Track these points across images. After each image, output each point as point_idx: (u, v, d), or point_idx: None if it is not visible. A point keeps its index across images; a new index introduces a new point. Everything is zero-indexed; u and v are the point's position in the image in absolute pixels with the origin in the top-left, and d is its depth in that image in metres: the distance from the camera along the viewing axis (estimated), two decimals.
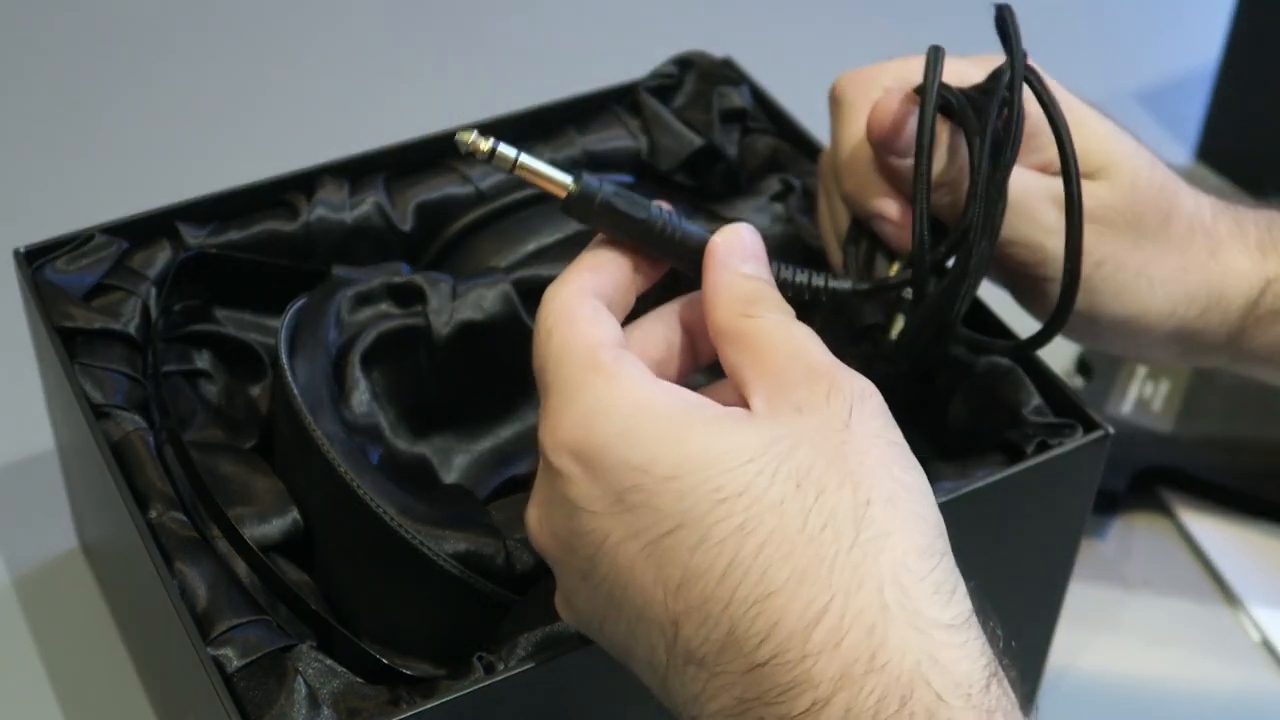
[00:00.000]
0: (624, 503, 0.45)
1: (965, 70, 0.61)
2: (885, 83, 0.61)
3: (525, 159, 0.51)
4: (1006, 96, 0.57)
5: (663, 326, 0.53)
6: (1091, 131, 0.61)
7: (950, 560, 0.46)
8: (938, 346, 0.61)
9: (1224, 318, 0.63)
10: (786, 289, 0.55)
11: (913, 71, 0.59)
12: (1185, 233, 0.62)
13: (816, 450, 0.45)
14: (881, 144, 0.59)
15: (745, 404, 0.48)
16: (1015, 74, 0.58)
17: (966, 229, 0.57)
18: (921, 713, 0.43)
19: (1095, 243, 0.60)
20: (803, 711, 0.43)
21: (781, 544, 0.44)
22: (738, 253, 0.51)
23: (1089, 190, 0.60)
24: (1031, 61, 0.59)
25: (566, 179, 0.51)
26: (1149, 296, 0.61)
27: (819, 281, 0.58)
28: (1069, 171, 0.57)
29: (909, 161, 0.58)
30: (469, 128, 0.50)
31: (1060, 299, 0.59)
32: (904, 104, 0.59)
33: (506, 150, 0.50)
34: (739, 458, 0.45)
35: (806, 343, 0.49)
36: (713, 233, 0.52)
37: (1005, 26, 0.59)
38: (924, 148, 0.57)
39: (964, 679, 0.44)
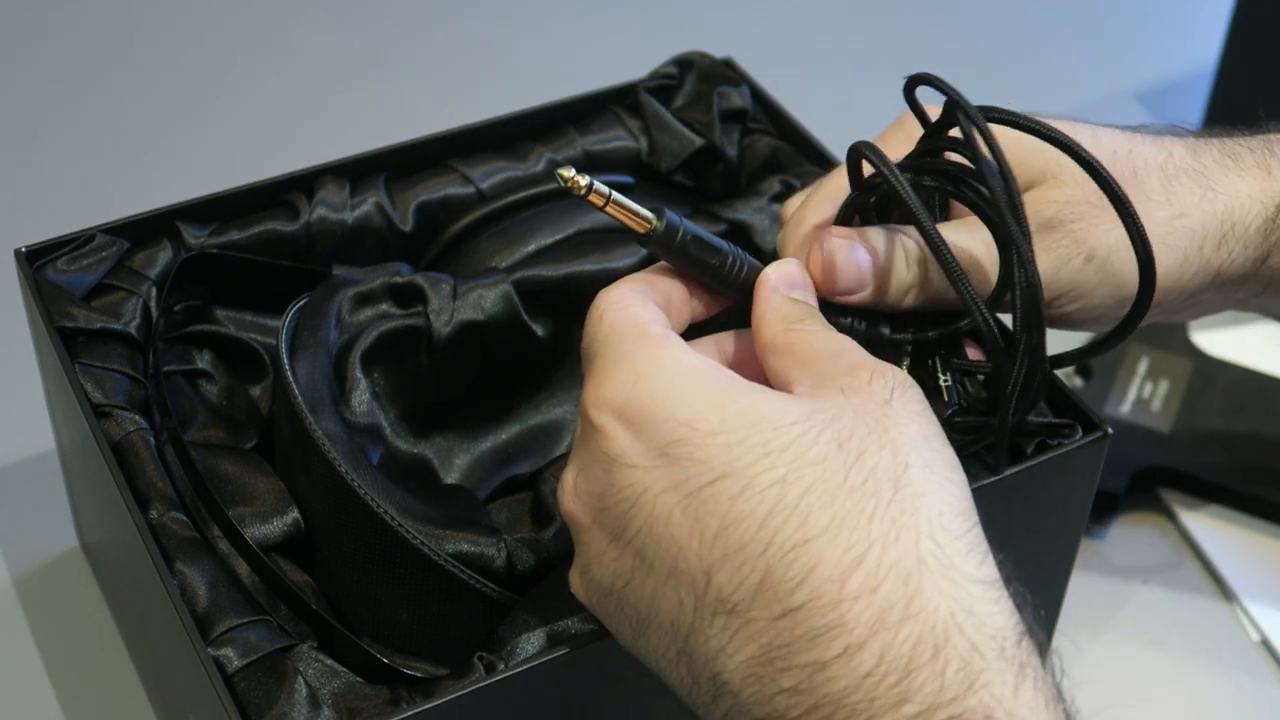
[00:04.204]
0: (667, 455, 0.47)
1: (894, 145, 0.60)
2: (815, 218, 0.60)
3: (617, 196, 0.53)
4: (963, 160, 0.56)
5: (707, 350, 0.55)
6: (1015, 144, 0.58)
7: (981, 530, 0.47)
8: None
9: (1244, 245, 0.62)
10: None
11: (839, 185, 0.59)
12: (1163, 182, 0.61)
13: (858, 419, 0.47)
14: (830, 289, 0.58)
15: None
16: (982, 139, 0.56)
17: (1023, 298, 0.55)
18: (956, 661, 0.43)
19: (1077, 241, 0.59)
20: (836, 656, 0.44)
21: (823, 494, 0.45)
22: (786, 281, 0.54)
23: (1041, 197, 0.59)
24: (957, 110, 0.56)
25: (650, 216, 0.54)
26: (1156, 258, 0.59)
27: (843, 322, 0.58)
28: (1096, 175, 0.56)
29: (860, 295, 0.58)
30: (567, 165, 0.55)
31: (1140, 289, 0.57)
32: (846, 247, 0.57)
33: (601, 187, 0.53)
34: (785, 418, 0.47)
35: (849, 344, 0.52)
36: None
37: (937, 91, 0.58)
38: (949, 265, 0.55)
39: (998, 631, 0.44)
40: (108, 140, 0.99)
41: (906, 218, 0.59)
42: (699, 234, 0.54)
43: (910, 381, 0.50)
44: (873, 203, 0.59)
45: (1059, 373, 0.65)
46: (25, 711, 0.71)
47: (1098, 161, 0.56)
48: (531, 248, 0.69)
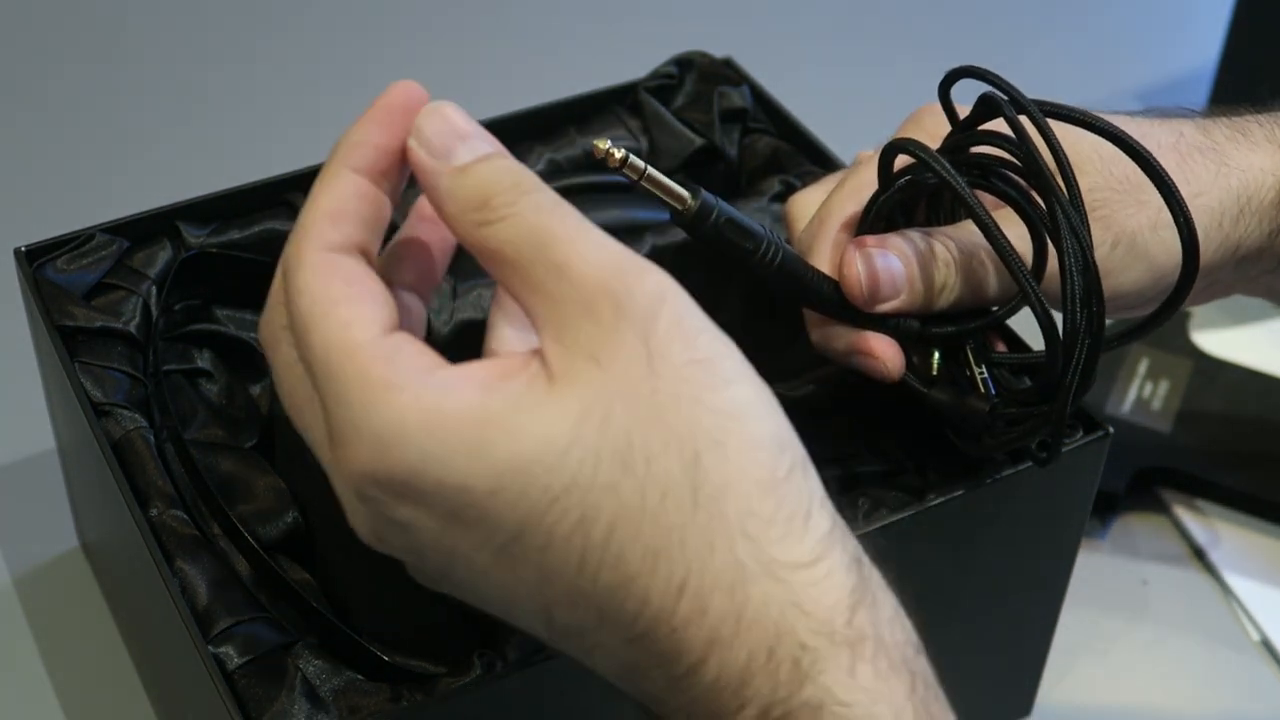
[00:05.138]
0: (459, 519, 0.42)
1: (933, 129, 0.59)
2: (840, 218, 0.59)
3: (652, 171, 0.52)
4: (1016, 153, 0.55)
5: (413, 252, 0.49)
6: (1032, 136, 0.57)
7: (798, 474, 0.43)
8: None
9: (1259, 219, 0.62)
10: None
11: (863, 182, 0.58)
12: (1179, 162, 0.61)
13: (630, 412, 0.42)
14: (870, 300, 0.57)
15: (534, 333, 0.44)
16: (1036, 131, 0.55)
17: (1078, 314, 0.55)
18: (788, 661, 0.42)
19: (1104, 228, 0.59)
20: (683, 674, 0.43)
21: (627, 525, 0.42)
22: (441, 148, 0.44)
23: None
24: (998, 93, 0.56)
25: (686, 194, 0.53)
26: (1176, 242, 0.59)
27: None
28: (1144, 162, 0.56)
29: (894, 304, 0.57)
30: (604, 139, 0.51)
31: (1184, 265, 0.57)
32: (880, 255, 0.56)
33: (636, 161, 0.52)
34: (555, 450, 0.41)
35: (565, 239, 0.43)
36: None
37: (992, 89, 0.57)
38: (1007, 254, 0.54)
39: (826, 617, 0.43)
40: (108, 140, 0.99)
41: (934, 215, 0.59)
42: (735, 216, 0.53)
43: (659, 294, 0.43)
44: (898, 202, 0.58)
45: None
46: (25, 711, 0.71)
47: (1144, 147, 0.56)
48: None
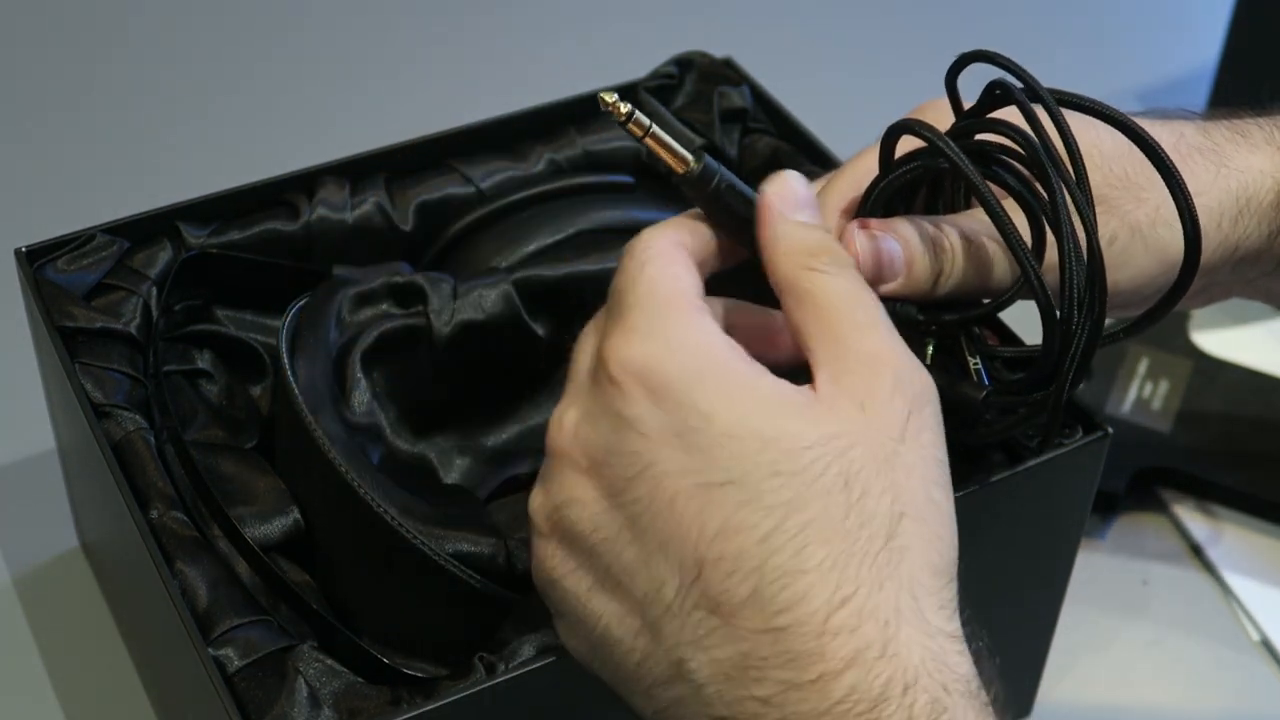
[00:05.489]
0: (683, 439, 0.46)
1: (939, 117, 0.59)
2: (839, 204, 0.59)
3: (657, 129, 0.52)
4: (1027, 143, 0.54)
5: (718, 314, 0.53)
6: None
7: (955, 586, 0.48)
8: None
9: (1259, 220, 0.62)
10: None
11: (864, 168, 0.58)
12: (1179, 162, 0.60)
13: (869, 454, 0.47)
14: (871, 282, 0.56)
15: (805, 363, 0.49)
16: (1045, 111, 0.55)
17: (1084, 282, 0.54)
18: (925, 697, 0.45)
19: (1103, 219, 0.58)
20: (810, 680, 0.45)
21: (823, 528, 0.46)
22: (791, 202, 0.52)
23: None
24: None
25: (689, 156, 0.52)
26: (1178, 237, 0.58)
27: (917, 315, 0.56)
28: (1155, 150, 0.55)
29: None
30: (611, 90, 0.52)
31: (1185, 256, 0.56)
32: (881, 238, 0.56)
33: (642, 118, 0.52)
34: (798, 442, 0.46)
35: (873, 313, 0.50)
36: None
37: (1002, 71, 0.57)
38: (1010, 236, 0.54)
39: (964, 677, 0.46)
40: (108, 140, 0.99)
41: (935, 204, 0.59)
42: (735, 182, 0.53)
43: (929, 395, 0.49)
44: (899, 188, 0.58)
45: None
46: (25, 712, 0.71)
47: (1152, 138, 0.55)
48: (531, 248, 0.69)
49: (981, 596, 0.65)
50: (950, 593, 0.48)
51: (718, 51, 0.78)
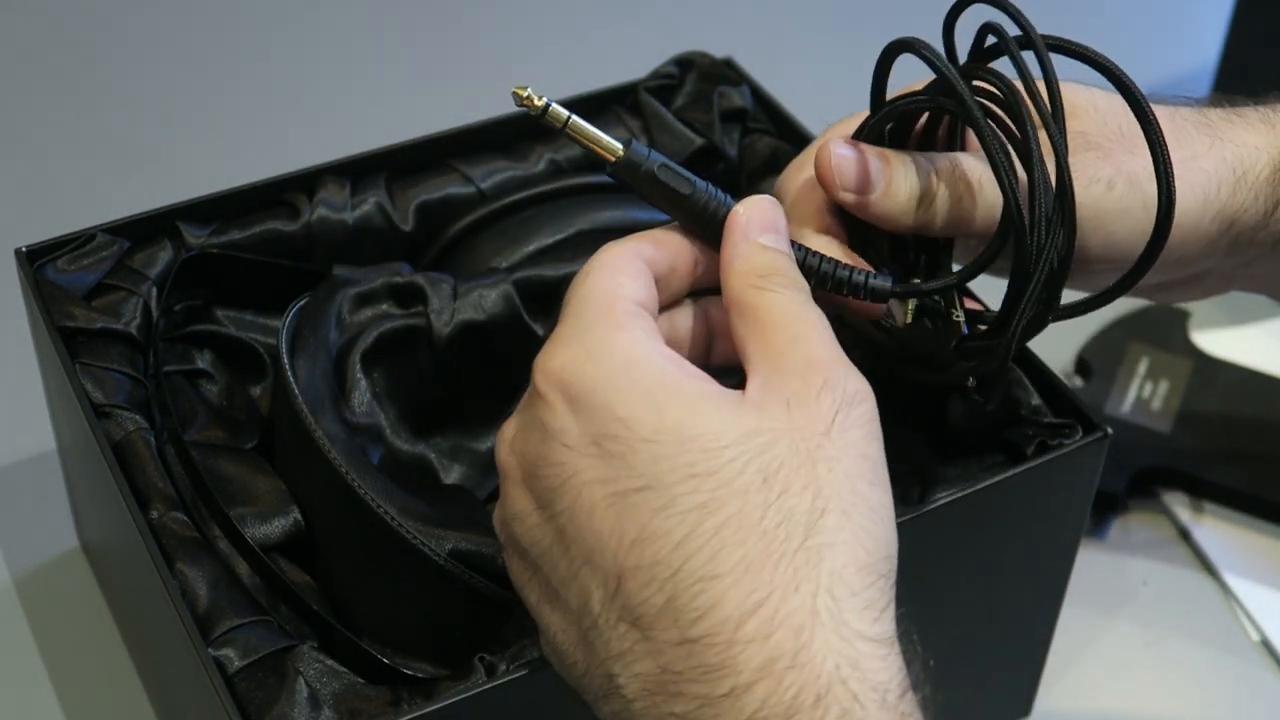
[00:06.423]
0: (600, 448, 0.47)
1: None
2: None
3: (575, 120, 0.52)
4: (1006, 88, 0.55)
5: (688, 316, 0.54)
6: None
7: (888, 582, 0.47)
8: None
9: (1255, 194, 0.62)
10: (810, 275, 0.54)
11: (855, 124, 0.59)
12: (1173, 131, 0.60)
13: (792, 449, 0.47)
14: (844, 186, 0.57)
15: (744, 377, 0.49)
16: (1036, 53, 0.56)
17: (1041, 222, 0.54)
18: (836, 708, 0.44)
19: (1096, 167, 0.58)
20: (723, 695, 0.44)
21: (738, 529, 0.45)
22: (757, 223, 0.52)
23: None
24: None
25: (616, 145, 0.52)
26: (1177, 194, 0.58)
27: (858, 278, 0.55)
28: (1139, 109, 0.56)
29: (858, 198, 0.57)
30: (524, 85, 0.52)
31: (1159, 211, 0.56)
32: (855, 147, 0.57)
33: (559, 110, 0.51)
34: (717, 441, 0.46)
35: (812, 328, 0.50)
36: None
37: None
38: (995, 155, 0.54)
39: (880, 685, 0.45)
40: (108, 140, 0.99)
41: (925, 148, 0.59)
42: (667, 163, 0.52)
43: (862, 396, 0.48)
44: (889, 129, 0.58)
45: (1059, 372, 0.65)
46: (25, 711, 0.71)
47: (1132, 82, 0.56)
48: (532, 248, 0.69)
49: (982, 597, 0.66)
50: (879, 591, 0.46)
51: (718, 51, 0.78)
